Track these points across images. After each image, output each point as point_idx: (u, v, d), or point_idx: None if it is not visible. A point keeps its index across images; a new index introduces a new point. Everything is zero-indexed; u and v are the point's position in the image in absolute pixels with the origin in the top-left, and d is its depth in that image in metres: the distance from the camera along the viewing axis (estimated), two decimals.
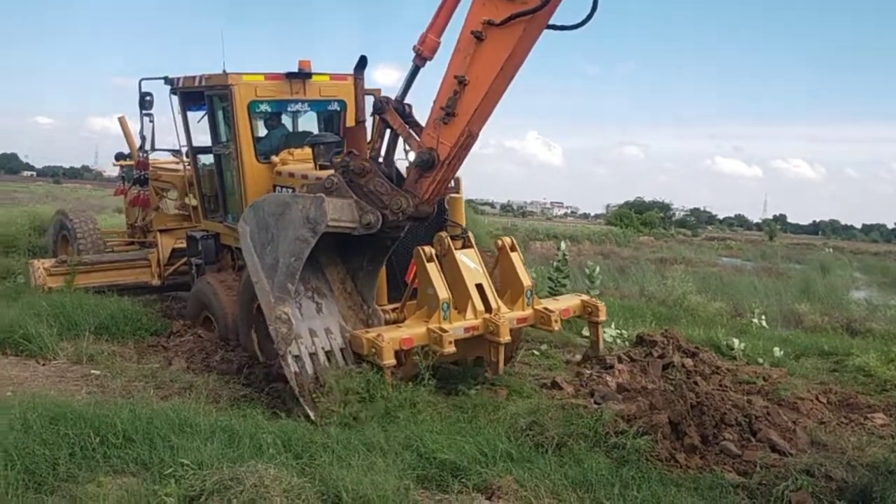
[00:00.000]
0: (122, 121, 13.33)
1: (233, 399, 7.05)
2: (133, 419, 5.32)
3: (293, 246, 6.65)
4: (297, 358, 6.69)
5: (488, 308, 7.28)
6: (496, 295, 7.44)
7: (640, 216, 54.78)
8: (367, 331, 7.03)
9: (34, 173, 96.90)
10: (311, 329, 6.97)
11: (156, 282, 11.13)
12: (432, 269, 7.20)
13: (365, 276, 7.57)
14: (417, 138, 6.99)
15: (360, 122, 8.99)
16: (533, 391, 7.59)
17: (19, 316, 8.50)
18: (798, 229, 77.34)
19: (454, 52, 6.70)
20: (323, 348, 6.94)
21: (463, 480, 5.28)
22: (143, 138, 10.45)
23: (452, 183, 7.85)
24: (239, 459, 4.74)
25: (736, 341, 10.02)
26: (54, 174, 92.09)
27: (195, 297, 9.55)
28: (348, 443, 5.55)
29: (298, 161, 8.97)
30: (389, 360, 6.65)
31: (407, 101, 7.35)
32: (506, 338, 7.07)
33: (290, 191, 8.60)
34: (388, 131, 7.28)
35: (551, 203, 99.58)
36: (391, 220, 6.89)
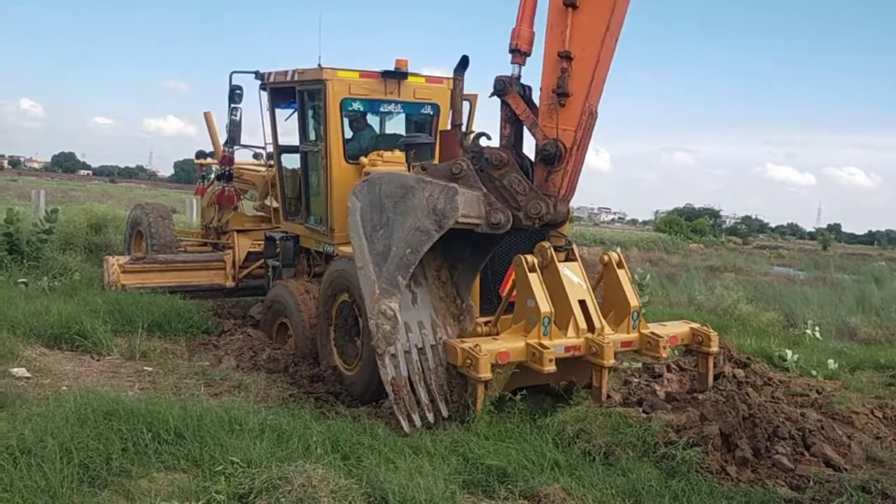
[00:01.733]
0: (207, 116, 13.21)
1: (281, 398, 7.13)
2: (184, 416, 5.40)
3: (411, 237, 5.99)
4: (394, 357, 6.26)
5: (591, 327, 6.84)
6: (600, 314, 7.00)
7: (690, 223, 54.09)
8: (462, 340, 6.63)
9: (90, 172, 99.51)
10: (407, 324, 6.47)
11: (230, 284, 11.07)
12: (534, 279, 6.72)
13: (465, 267, 6.93)
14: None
15: (455, 126, 8.94)
16: (581, 399, 7.52)
17: (75, 312, 8.69)
18: (853, 239, 75.61)
19: (547, 29, 6.21)
20: (416, 345, 6.46)
21: (509, 487, 5.25)
22: (229, 133, 10.37)
23: None
24: (287, 459, 4.78)
25: (789, 352, 9.81)
26: (110, 173, 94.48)
27: (273, 302, 9.30)
28: (395, 445, 5.56)
29: (388, 163, 8.78)
30: (486, 374, 6.24)
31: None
32: (610, 361, 6.63)
33: None
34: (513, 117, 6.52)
35: (598, 208, 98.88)
36: (524, 224, 6.28)
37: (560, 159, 6.10)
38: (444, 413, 6.44)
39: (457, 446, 5.71)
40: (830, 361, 9.77)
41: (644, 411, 6.81)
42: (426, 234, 5.97)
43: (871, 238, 77.71)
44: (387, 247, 6.12)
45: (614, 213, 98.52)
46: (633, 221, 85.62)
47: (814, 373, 9.41)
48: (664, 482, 5.48)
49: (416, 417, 6.25)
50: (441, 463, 5.35)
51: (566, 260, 7.07)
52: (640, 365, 8.29)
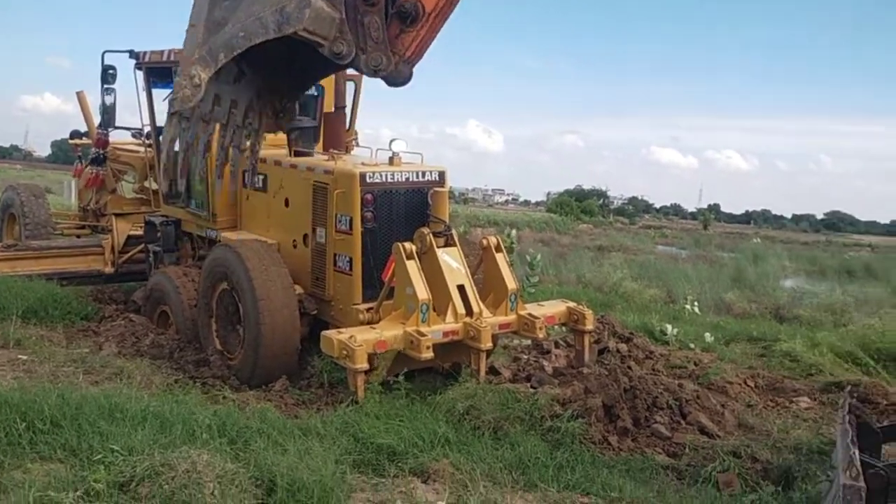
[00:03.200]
0: (80, 96, 12.54)
1: (165, 384, 6.92)
2: (61, 404, 5.17)
3: (250, 24, 5.41)
4: (185, 121, 5.58)
5: (470, 311, 6.95)
6: (478, 298, 7.12)
7: (580, 204, 55.48)
8: (339, 331, 6.66)
9: None
10: (218, 95, 5.71)
11: (109, 270, 10.60)
12: (412, 267, 6.83)
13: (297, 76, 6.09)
14: None
15: (339, 108, 8.78)
16: (470, 376, 7.64)
17: None
18: (731, 219, 79.29)
19: None
20: (220, 120, 5.76)
21: (399, 465, 5.30)
22: (103, 115, 9.94)
23: (436, 176, 7.64)
24: (171, 445, 4.65)
25: (669, 327, 10.24)
26: None
27: (152, 290, 8.97)
28: (284, 428, 5.51)
29: (271, 146, 8.47)
30: (362, 365, 6.31)
31: None
32: (487, 344, 6.76)
33: (261, 178, 8.24)
34: None
35: (493, 190, 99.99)
36: (360, 68, 5.82)
37: (416, 21, 5.76)
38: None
39: (347, 427, 5.72)
40: (707, 335, 10.27)
41: (532, 386, 7.01)
42: (263, 29, 5.38)
43: (747, 217, 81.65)
44: (224, 19, 5.53)
45: (508, 195, 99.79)
46: (527, 202, 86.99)
47: (692, 346, 9.87)
48: (550, 453, 5.66)
49: (163, 184, 5.62)
50: (331, 444, 5.35)
51: (445, 245, 7.17)
52: (529, 342, 8.48)
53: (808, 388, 8.36)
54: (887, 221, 75.13)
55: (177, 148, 5.78)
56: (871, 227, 71.64)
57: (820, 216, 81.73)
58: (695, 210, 76.71)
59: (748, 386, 8.22)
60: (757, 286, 16.63)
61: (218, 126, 5.83)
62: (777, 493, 5.25)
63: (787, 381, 8.53)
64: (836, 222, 77.47)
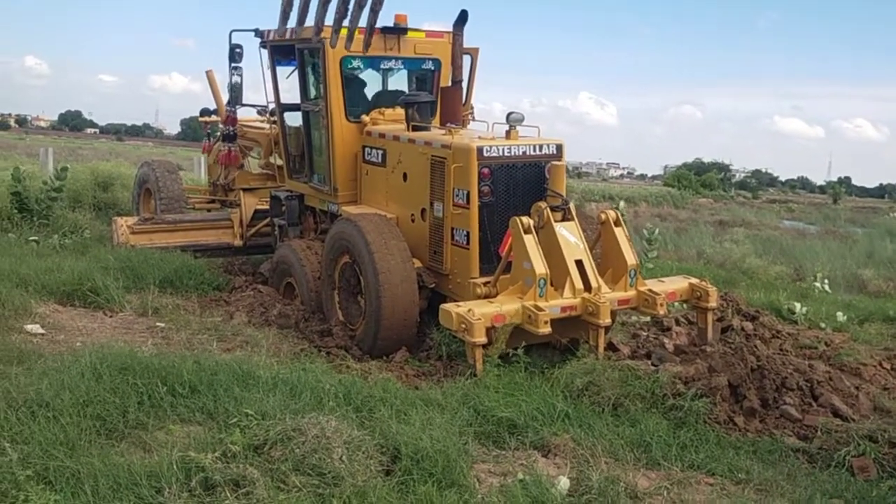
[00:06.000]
0: (209, 74, 13.02)
1: (292, 353, 7.18)
2: (198, 370, 5.45)
3: None
4: None
5: (588, 287, 6.88)
6: (597, 273, 7.04)
7: (699, 178, 53.82)
8: (457, 305, 6.69)
9: (97, 130, 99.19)
10: None
11: (238, 243, 11.02)
12: (529, 241, 6.79)
13: None
14: None
15: (456, 82, 8.83)
16: (588, 352, 7.57)
17: (87, 269, 8.74)
18: (864, 192, 75.01)
19: None
20: None
21: (520, 438, 5.32)
22: (231, 93, 10.28)
23: (554, 149, 7.58)
24: (301, 411, 4.83)
25: (797, 305, 9.82)
26: (117, 131, 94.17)
27: (278, 262, 9.29)
28: (406, 398, 5.62)
29: (389, 121, 8.76)
30: (480, 338, 6.35)
31: None
32: (606, 320, 6.69)
33: (381, 152, 8.46)
34: None
35: (607, 164, 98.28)
36: None
37: None
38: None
39: (467, 399, 5.78)
40: (839, 314, 9.79)
41: (653, 364, 6.87)
42: None
43: (881, 191, 77.03)
44: None
45: (623, 169, 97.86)
46: (643, 176, 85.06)
47: (822, 325, 9.43)
48: (672, 432, 5.55)
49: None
50: (452, 415, 5.42)
51: (563, 220, 7.10)
52: (648, 319, 8.31)
53: None
54: None
55: None
56: None
57: None
58: (823, 183, 73.07)
59: (885, 368, 7.79)
60: (894, 263, 15.67)
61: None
62: None
63: None
64: None
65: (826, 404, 6.34)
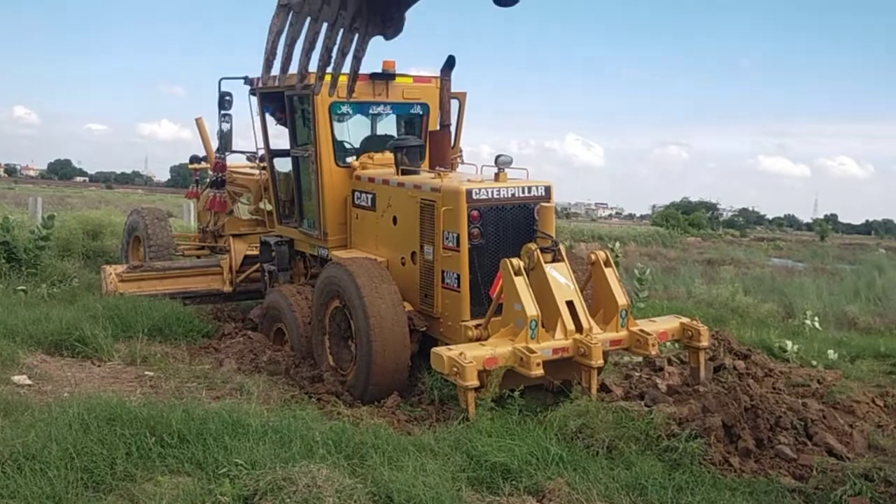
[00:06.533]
0: (199, 122, 13.17)
1: (282, 399, 7.12)
2: (187, 419, 5.40)
3: None
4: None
5: (579, 328, 6.88)
6: (588, 314, 7.04)
7: (687, 217, 54.16)
8: (449, 348, 6.67)
9: (87, 179, 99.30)
10: None
11: (227, 289, 11.00)
12: (520, 283, 6.78)
13: None
14: None
15: (444, 126, 8.93)
16: (581, 394, 7.52)
17: (75, 318, 8.68)
18: (850, 229, 75.68)
19: None
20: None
21: (514, 483, 5.25)
22: (220, 140, 10.36)
23: (542, 191, 7.64)
24: (291, 460, 4.78)
25: (789, 343, 9.83)
26: (106, 179, 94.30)
27: (268, 308, 9.24)
28: (398, 444, 5.56)
29: (379, 165, 8.83)
30: (472, 381, 6.32)
31: None
32: (599, 361, 6.66)
33: (370, 196, 8.51)
34: None
35: (595, 204, 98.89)
36: None
37: None
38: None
39: (460, 444, 5.72)
40: (830, 351, 9.79)
41: (646, 405, 6.83)
42: None
43: (867, 228, 77.76)
44: None
45: (611, 209, 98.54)
46: (631, 216, 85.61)
47: (814, 363, 9.43)
48: (668, 474, 5.50)
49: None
50: (445, 461, 5.36)
51: (553, 261, 7.10)
52: (641, 359, 8.29)
53: None
54: None
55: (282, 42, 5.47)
56: None
57: None
58: (810, 221, 73.67)
59: (877, 405, 7.78)
60: (883, 299, 15.72)
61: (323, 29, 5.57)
62: None
63: None
64: None
65: (821, 443, 6.31)
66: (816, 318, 12.17)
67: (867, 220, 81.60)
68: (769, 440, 6.23)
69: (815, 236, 56.71)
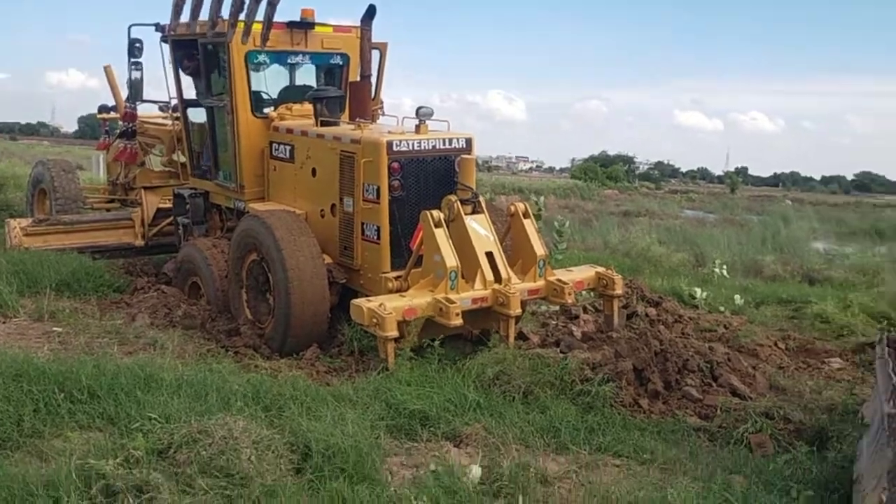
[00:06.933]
0: (108, 70, 12.56)
1: (198, 354, 7.01)
2: (97, 375, 5.27)
3: None
4: None
5: (498, 278, 6.96)
6: (507, 264, 7.13)
7: (605, 170, 55.00)
8: (368, 300, 6.66)
9: None
10: None
11: (139, 243, 10.69)
12: (440, 234, 6.82)
13: None
14: None
15: (364, 77, 8.78)
16: (499, 342, 7.65)
17: None
18: (759, 182, 78.14)
19: None
20: None
21: (432, 429, 5.35)
22: (131, 89, 9.96)
23: (463, 143, 7.62)
24: (207, 413, 4.72)
25: (698, 290, 10.19)
26: (10, 130, 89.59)
27: (182, 262, 9.00)
28: (317, 395, 5.57)
29: (297, 116, 8.65)
30: (392, 332, 6.34)
31: None
32: (516, 310, 6.79)
33: (289, 148, 8.34)
34: None
35: (516, 158, 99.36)
36: None
37: None
38: None
39: (379, 393, 5.77)
40: (737, 297, 10.21)
41: (561, 351, 7.00)
42: None
43: (776, 180, 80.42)
44: None
45: (532, 162, 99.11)
46: (551, 169, 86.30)
47: (721, 309, 9.82)
48: (581, 417, 5.69)
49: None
50: (364, 410, 5.41)
51: (473, 213, 7.15)
52: (557, 308, 8.47)
53: (839, 350, 8.32)
54: None
55: None
56: None
57: (850, 177, 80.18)
58: (722, 174, 75.68)
59: (779, 348, 8.19)
60: (787, 249, 16.42)
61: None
62: (811, 453, 5.21)
63: (819, 343, 8.51)
64: (867, 183, 75.91)
65: (725, 384, 6.61)
66: (725, 267, 12.65)
67: (775, 173, 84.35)
68: (677, 382, 6.50)
69: (727, 189, 58.36)
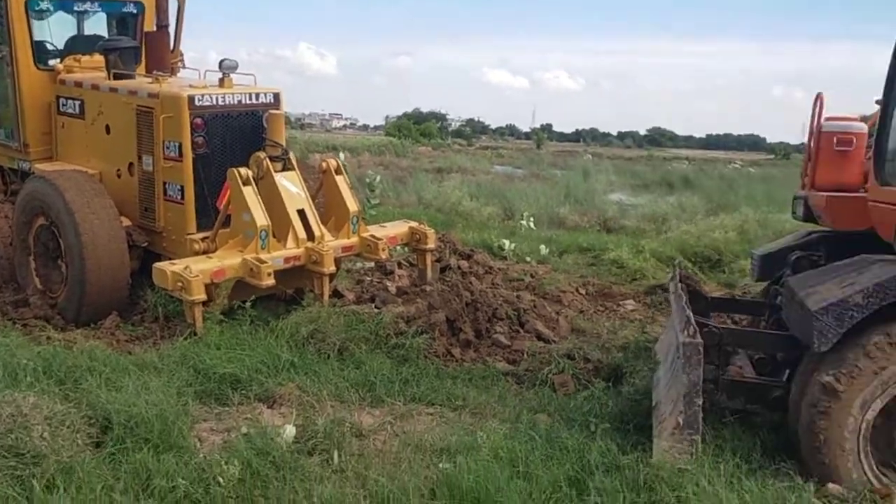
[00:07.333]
0: None
1: None
2: None
3: None
4: None
5: (311, 236, 6.86)
6: (320, 222, 7.04)
7: (419, 127, 55.59)
8: (172, 263, 6.37)
9: None
10: None
11: None
12: (249, 193, 6.60)
13: None
14: None
15: (162, 26, 8.18)
16: (314, 301, 7.58)
17: None
18: (563, 137, 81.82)
19: None
20: None
21: (244, 392, 5.24)
22: None
23: (271, 98, 7.35)
24: None
25: (507, 242, 10.60)
26: None
27: None
28: (117, 364, 5.28)
29: (87, 69, 7.98)
30: (199, 296, 6.10)
31: None
32: (330, 268, 6.71)
33: (78, 103, 7.74)
34: None
35: (330, 115, 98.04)
36: None
37: None
38: None
39: (186, 359, 5.57)
40: (542, 248, 10.72)
41: (376, 307, 7.06)
42: None
43: (577, 136, 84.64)
44: None
45: (346, 119, 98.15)
46: (365, 127, 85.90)
47: (528, 259, 10.27)
48: (396, 370, 5.78)
49: None
50: (170, 377, 5.21)
51: (283, 170, 7.00)
52: (373, 264, 8.50)
53: (633, 292, 8.96)
54: (703, 135, 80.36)
55: None
56: (689, 142, 76.25)
57: (643, 132, 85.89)
58: (529, 130, 78.69)
59: (580, 293, 8.70)
60: (586, 200, 17.39)
61: None
62: (608, 389, 5.63)
63: (615, 287, 9.12)
64: (658, 138, 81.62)
65: (531, 330, 6.96)
66: (532, 219, 13.24)
67: (577, 129, 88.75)
68: (487, 331, 6.75)
69: (533, 144, 60.84)
